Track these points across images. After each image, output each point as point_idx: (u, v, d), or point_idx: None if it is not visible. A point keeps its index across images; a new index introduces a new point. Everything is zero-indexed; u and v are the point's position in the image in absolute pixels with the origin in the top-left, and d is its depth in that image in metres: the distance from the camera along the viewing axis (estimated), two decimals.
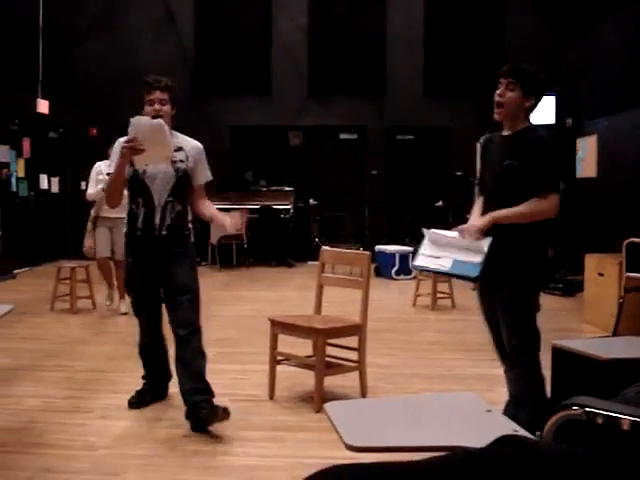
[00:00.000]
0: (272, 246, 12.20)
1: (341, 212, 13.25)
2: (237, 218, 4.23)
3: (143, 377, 4.52)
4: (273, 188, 12.72)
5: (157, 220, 4.12)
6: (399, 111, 12.68)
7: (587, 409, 1.48)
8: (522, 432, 1.85)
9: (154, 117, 4.01)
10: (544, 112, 11.71)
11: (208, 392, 4.04)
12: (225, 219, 4.14)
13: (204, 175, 4.29)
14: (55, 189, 12.57)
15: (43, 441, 3.85)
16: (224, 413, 3.92)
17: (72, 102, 12.60)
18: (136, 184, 4.13)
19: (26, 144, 11.38)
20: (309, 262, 11.82)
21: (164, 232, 4.12)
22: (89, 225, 7.69)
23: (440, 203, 12.62)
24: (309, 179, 13.32)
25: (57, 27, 11.91)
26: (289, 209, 12.26)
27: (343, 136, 13.39)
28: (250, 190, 12.61)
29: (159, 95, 4.11)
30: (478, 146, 3.84)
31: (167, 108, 4.15)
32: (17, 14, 10.79)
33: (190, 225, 4.27)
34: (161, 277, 4.18)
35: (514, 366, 3.49)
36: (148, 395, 4.47)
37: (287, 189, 12.65)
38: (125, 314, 7.26)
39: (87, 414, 4.30)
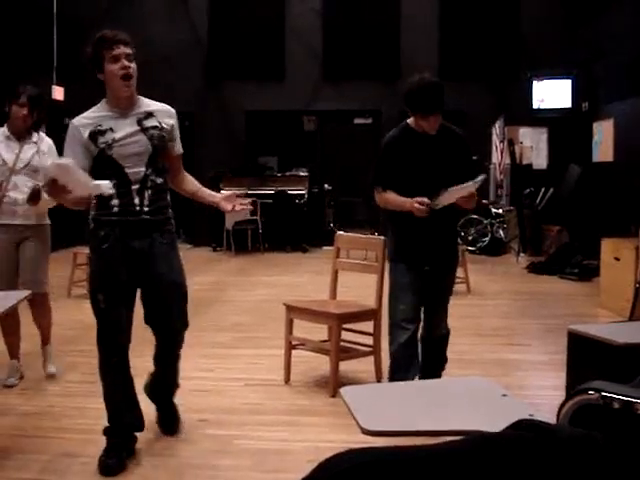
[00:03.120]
0: (287, 231, 12.20)
1: (356, 197, 13.24)
2: (241, 206, 3.63)
3: (105, 431, 3.47)
4: (288, 173, 12.70)
5: (136, 199, 3.41)
6: None
7: (603, 394, 1.48)
8: (538, 416, 1.85)
9: (124, 76, 3.34)
10: (560, 96, 11.66)
11: (168, 408, 3.90)
12: (221, 203, 3.60)
13: (179, 144, 3.62)
14: None
15: (61, 425, 3.90)
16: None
17: (87, 88, 12.58)
18: (103, 164, 3.39)
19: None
20: (324, 247, 11.82)
21: (146, 209, 3.43)
22: None
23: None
24: (324, 164, 13.31)
25: (71, 13, 11.91)
26: (304, 194, 12.25)
27: (358, 121, 13.35)
28: (264, 175, 12.62)
29: (124, 49, 3.34)
30: (388, 144, 4.27)
31: (135, 66, 3.39)
32: (31, 1, 10.80)
33: (170, 209, 3.60)
34: (140, 272, 3.48)
35: None
36: (123, 450, 3.44)
37: (302, 174, 12.63)
38: (52, 376, 4.86)
39: None
